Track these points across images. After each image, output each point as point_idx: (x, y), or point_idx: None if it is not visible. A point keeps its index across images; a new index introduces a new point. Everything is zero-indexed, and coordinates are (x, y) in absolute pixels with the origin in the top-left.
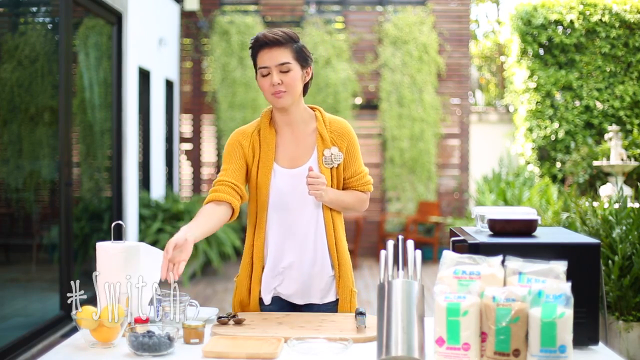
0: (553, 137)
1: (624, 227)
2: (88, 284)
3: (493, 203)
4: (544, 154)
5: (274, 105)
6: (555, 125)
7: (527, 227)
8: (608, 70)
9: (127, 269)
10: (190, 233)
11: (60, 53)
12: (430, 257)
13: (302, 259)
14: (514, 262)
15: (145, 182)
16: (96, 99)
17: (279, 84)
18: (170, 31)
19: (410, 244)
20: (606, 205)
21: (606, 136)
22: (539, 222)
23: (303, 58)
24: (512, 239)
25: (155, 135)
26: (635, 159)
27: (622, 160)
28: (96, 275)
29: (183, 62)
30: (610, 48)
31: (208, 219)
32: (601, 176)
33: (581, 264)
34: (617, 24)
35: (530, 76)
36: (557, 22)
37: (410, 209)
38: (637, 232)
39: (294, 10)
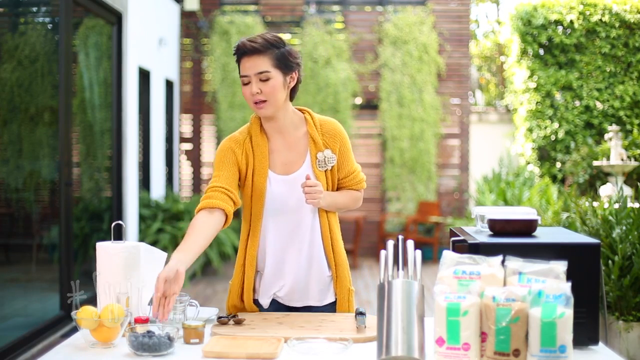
0: (553, 137)
1: (624, 227)
2: (88, 284)
3: (493, 203)
4: (544, 154)
5: (258, 115)
6: (555, 125)
7: (527, 227)
8: (608, 70)
9: (127, 269)
10: (180, 262)
11: (60, 53)
12: (430, 257)
13: (300, 262)
14: (514, 262)
15: (145, 182)
16: (96, 99)
17: (258, 93)
18: (170, 31)
19: (410, 244)
20: (606, 205)
21: (606, 136)
22: (539, 222)
23: (285, 64)
24: (512, 239)
25: (155, 135)
26: (635, 159)
27: (622, 160)
28: (96, 275)
29: (183, 62)
30: (610, 48)
31: (199, 236)
32: (601, 176)
33: (581, 264)
34: (617, 24)
35: (530, 76)
36: (557, 22)
37: (410, 209)
38: (637, 232)
39: (294, 10)
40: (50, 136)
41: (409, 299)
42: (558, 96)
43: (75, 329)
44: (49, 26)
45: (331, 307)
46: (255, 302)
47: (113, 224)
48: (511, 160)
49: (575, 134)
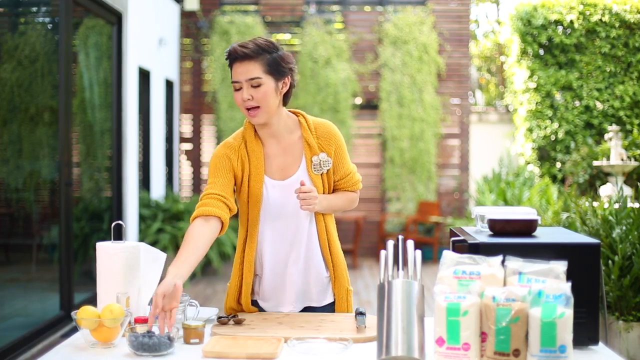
0: (553, 137)
1: (624, 227)
2: (88, 284)
3: (493, 203)
4: (544, 154)
5: (250, 122)
6: (555, 125)
7: (527, 227)
8: (608, 70)
9: (127, 269)
10: (178, 276)
11: (60, 53)
12: (430, 257)
13: (299, 266)
14: (514, 262)
15: (145, 182)
16: (96, 99)
17: (249, 99)
18: (170, 31)
19: (410, 244)
20: (606, 205)
21: (606, 136)
22: (539, 222)
23: (277, 70)
24: (512, 239)
25: (155, 135)
26: (635, 159)
27: (622, 160)
28: (96, 276)
29: (183, 62)
30: (610, 48)
31: (195, 247)
32: (601, 176)
33: (581, 264)
34: (617, 24)
35: (530, 76)
36: (557, 22)
37: (410, 209)
38: (637, 232)
39: (294, 10)
40: (50, 136)
41: (409, 299)
42: (558, 96)
43: (75, 329)
44: (49, 26)
45: (330, 308)
46: (255, 303)
47: (113, 224)
48: (511, 160)
49: (575, 134)
